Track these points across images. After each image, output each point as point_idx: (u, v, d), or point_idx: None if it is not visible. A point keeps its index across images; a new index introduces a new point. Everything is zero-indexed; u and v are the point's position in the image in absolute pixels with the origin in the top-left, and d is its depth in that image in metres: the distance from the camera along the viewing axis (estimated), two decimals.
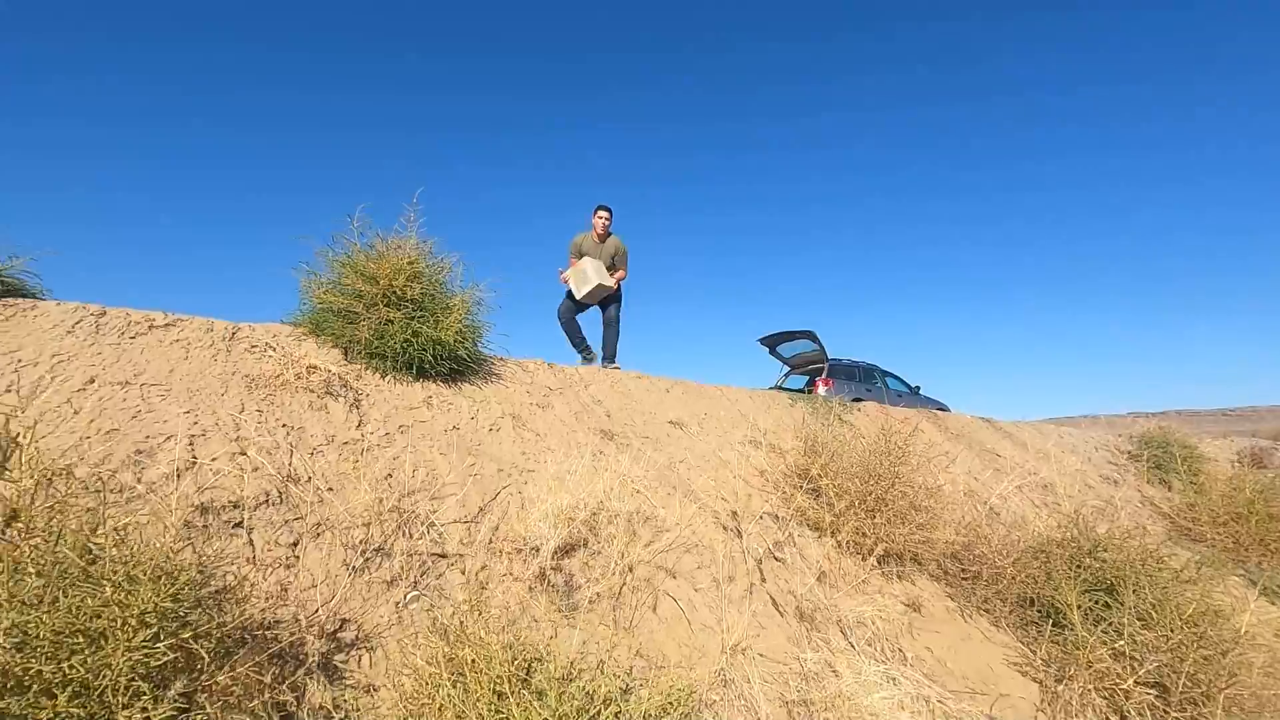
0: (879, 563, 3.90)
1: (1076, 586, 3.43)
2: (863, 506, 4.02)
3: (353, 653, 2.14)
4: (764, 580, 3.42)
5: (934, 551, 4.03)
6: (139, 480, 2.35)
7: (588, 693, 1.82)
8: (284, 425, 2.99)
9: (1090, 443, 9.53)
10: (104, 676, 1.27)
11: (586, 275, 5.78)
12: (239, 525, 2.36)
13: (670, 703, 1.81)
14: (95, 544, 1.38)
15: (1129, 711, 2.96)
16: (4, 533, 1.33)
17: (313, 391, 3.29)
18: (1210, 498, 7.03)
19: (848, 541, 3.93)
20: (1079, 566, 3.66)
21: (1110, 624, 3.21)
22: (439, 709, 1.66)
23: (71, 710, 1.22)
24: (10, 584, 1.24)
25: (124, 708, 1.27)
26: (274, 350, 3.48)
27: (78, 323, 3.13)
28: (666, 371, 6.08)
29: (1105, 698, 3.05)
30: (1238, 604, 3.93)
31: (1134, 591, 3.27)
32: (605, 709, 1.76)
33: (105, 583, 1.34)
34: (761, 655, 2.84)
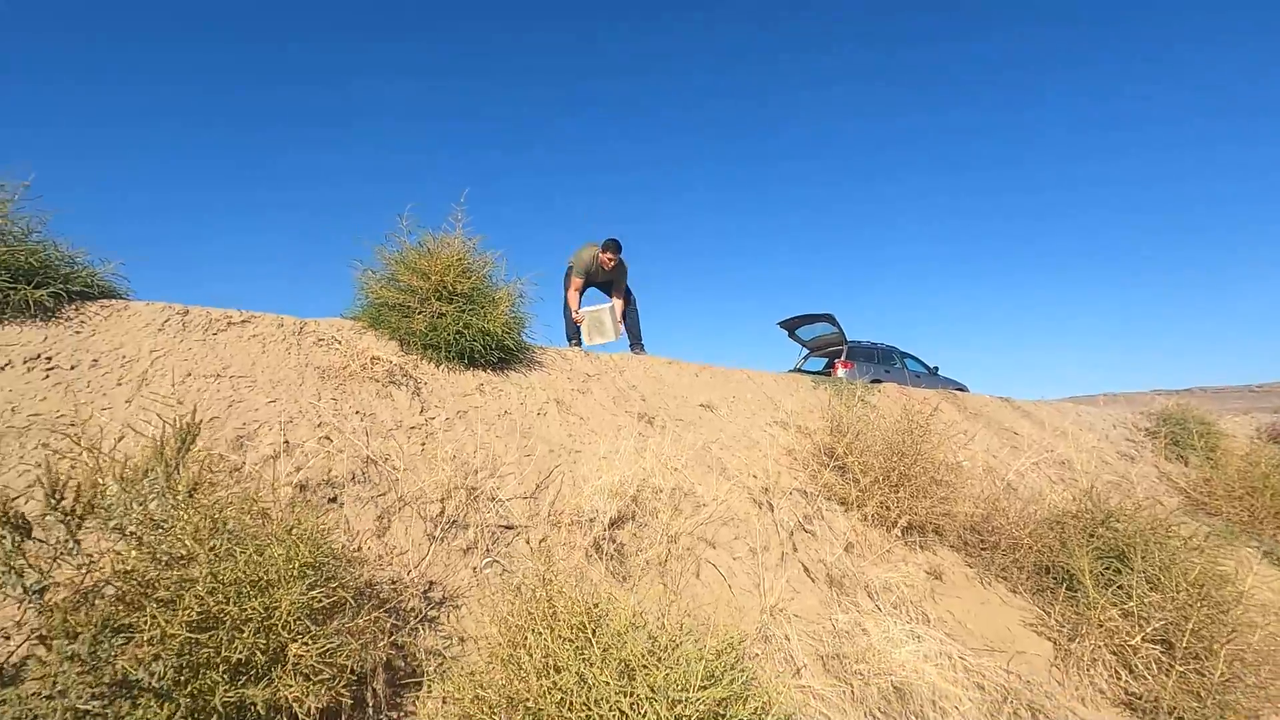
0: (902, 534, 4.16)
1: (1089, 554, 3.67)
2: (886, 482, 4.27)
3: (442, 609, 2.44)
4: (796, 550, 3.69)
5: (954, 524, 4.28)
6: (244, 462, 2.66)
7: (651, 638, 2.10)
8: (357, 412, 3.29)
9: (1108, 420, 9.67)
10: (275, 616, 1.57)
11: (605, 327, 5.73)
12: (334, 500, 2.66)
13: (726, 646, 2.08)
14: (264, 510, 1.67)
15: (1136, 666, 3.21)
16: (189, 502, 1.62)
17: (378, 381, 3.59)
18: (1226, 472, 7.18)
19: (873, 515, 4.18)
20: (1092, 536, 3.89)
21: (1120, 587, 3.45)
22: (529, 650, 1.95)
23: (256, 641, 1.51)
24: (208, 542, 1.54)
25: (293, 640, 1.57)
26: (339, 343, 3.78)
27: (166, 321, 3.43)
28: (689, 356, 6.32)
29: (1114, 653, 3.30)
30: (1247, 571, 4.15)
31: (1143, 557, 3.50)
32: (669, 652, 2.03)
33: (272, 541, 1.64)
34: (796, 616, 3.11)
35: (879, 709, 2.75)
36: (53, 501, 1.35)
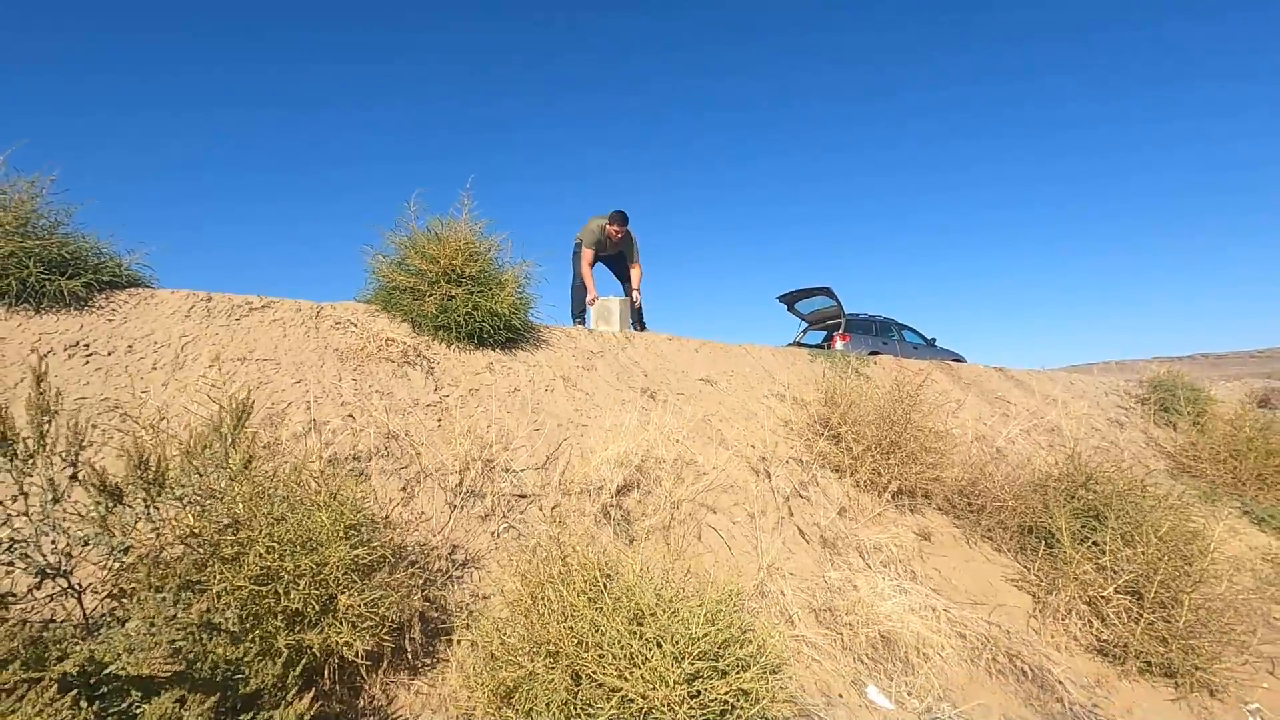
0: (893, 498, 4.39)
1: (1068, 513, 3.90)
2: (878, 449, 4.48)
3: (465, 569, 2.67)
4: (791, 514, 3.92)
5: (942, 488, 4.51)
6: (278, 438, 2.87)
7: (657, 593, 2.32)
8: (376, 391, 3.49)
9: (1100, 388, 9.87)
10: (326, 571, 1.79)
11: (612, 318, 5.68)
12: (361, 473, 2.87)
13: (725, 597, 2.31)
14: (311, 476, 1.88)
15: (1108, 615, 3.46)
16: (243, 473, 1.83)
17: (393, 361, 3.79)
18: (1211, 437, 7.40)
19: (865, 480, 4.41)
20: (1072, 497, 4.12)
21: (1095, 543, 3.68)
22: (547, 603, 2.17)
23: (310, 593, 1.73)
24: (263, 507, 1.75)
25: (342, 592, 1.79)
26: (355, 326, 3.97)
27: (191, 308, 3.62)
28: (691, 332, 6.50)
29: (1088, 604, 3.55)
30: (1215, 526, 4.38)
31: (1118, 516, 3.72)
32: (673, 603, 2.26)
33: (320, 506, 1.85)
34: (791, 574, 3.35)
35: (866, 655, 2.99)
36: (139, 472, 1.55)
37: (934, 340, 11.62)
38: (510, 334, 4.39)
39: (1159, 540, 3.50)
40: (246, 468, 1.83)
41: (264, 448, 2.78)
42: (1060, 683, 3.23)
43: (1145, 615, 3.37)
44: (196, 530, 1.75)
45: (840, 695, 2.73)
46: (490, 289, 4.26)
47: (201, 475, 1.86)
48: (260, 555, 1.72)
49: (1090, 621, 3.51)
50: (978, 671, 3.20)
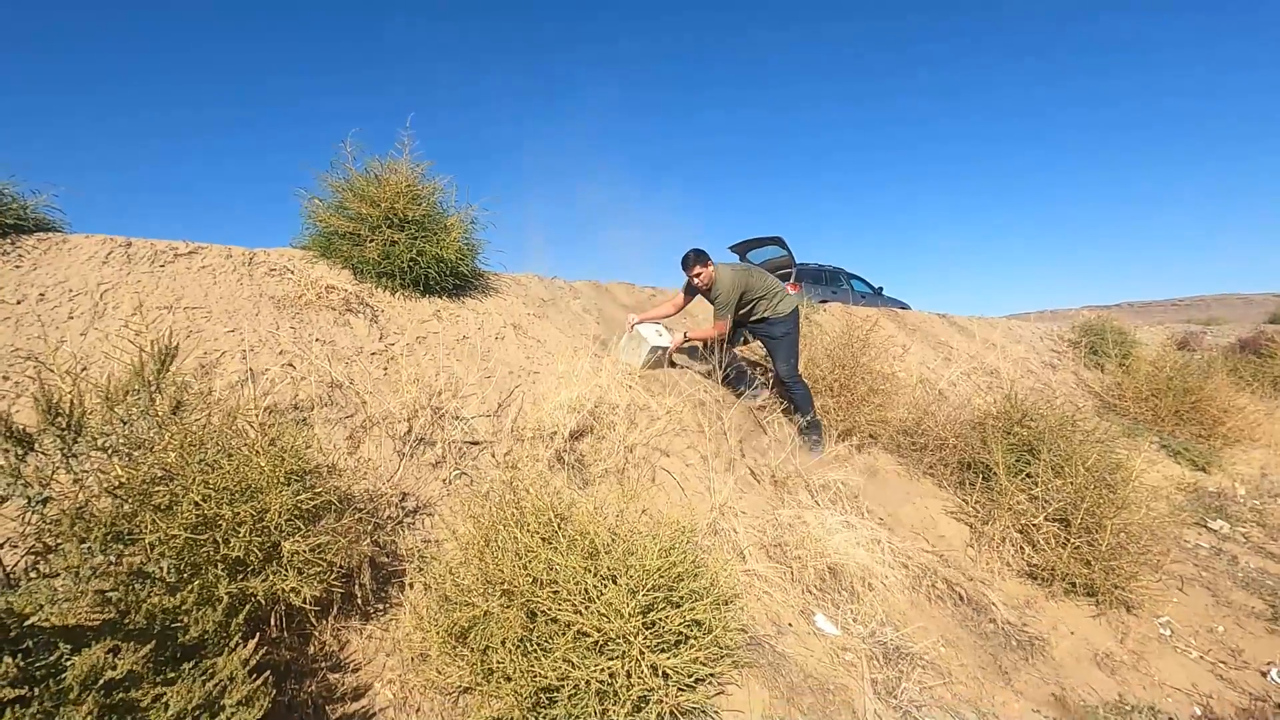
0: (841, 438, 4.51)
1: (1004, 448, 4.08)
2: (828, 392, 4.58)
3: (417, 516, 2.63)
4: (743, 455, 4.00)
5: (888, 428, 4.65)
6: (211, 388, 2.74)
7: (613, 531, 2.33)
8: (317, 340, 3.35)
9: (1036, 333, 10.29)
10: (268, 517, 1.72)
11: (639, 353, 4.44)
12: (304, 422, 2.77)
13: (678, 533, 2.34)
14: (249, 423, 1.79)
15: (1038, 541, 3.66)
16: (172, 420, 1.73)
17: (334, 309, 3.63)
18: (1135, 377, 7.83)
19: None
20: (1008, 433, 4.31)
21: (1028, 475, 3.88)
22: (501, 545, 2.16)
23: (252, 540, 1.67)
24: (195, 455, 1.66)
25: (286, 538, 1.73)
26: (291, 273, 3.78)
27: (109, 254, 3.38)
28: (649, 280, 6.44)
29: (1020, 532, 3.75)
30: (1146, 462, 4.66)
31: (1049, 449, 3.91)
32: (628, 540, 2.28)
33: (258, 453, 1.77)
34: (743, 512, 3.42)
35: (815, 586, 3.10)
36: (50, 419, 1.45)
37: (881, 289, 11.88)
38: (458, 281, 4.27)
39: (1086, 471, 3.70)
40: (175, 413, 1.73)
41: (196, 396, 2.66)
42: (993, 605, 3.43)
43: (1072, 540, 3.58)
44: (124, 480, 1.66)
45: (790, 624, 2.83)
46: (435, 234, 4.10)
47: (126, 423, 1.75)
48: (196, 503, 1.65)
49: (1022, 548, 3.71)
50: (918, 598, 3.36)
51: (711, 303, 4.50)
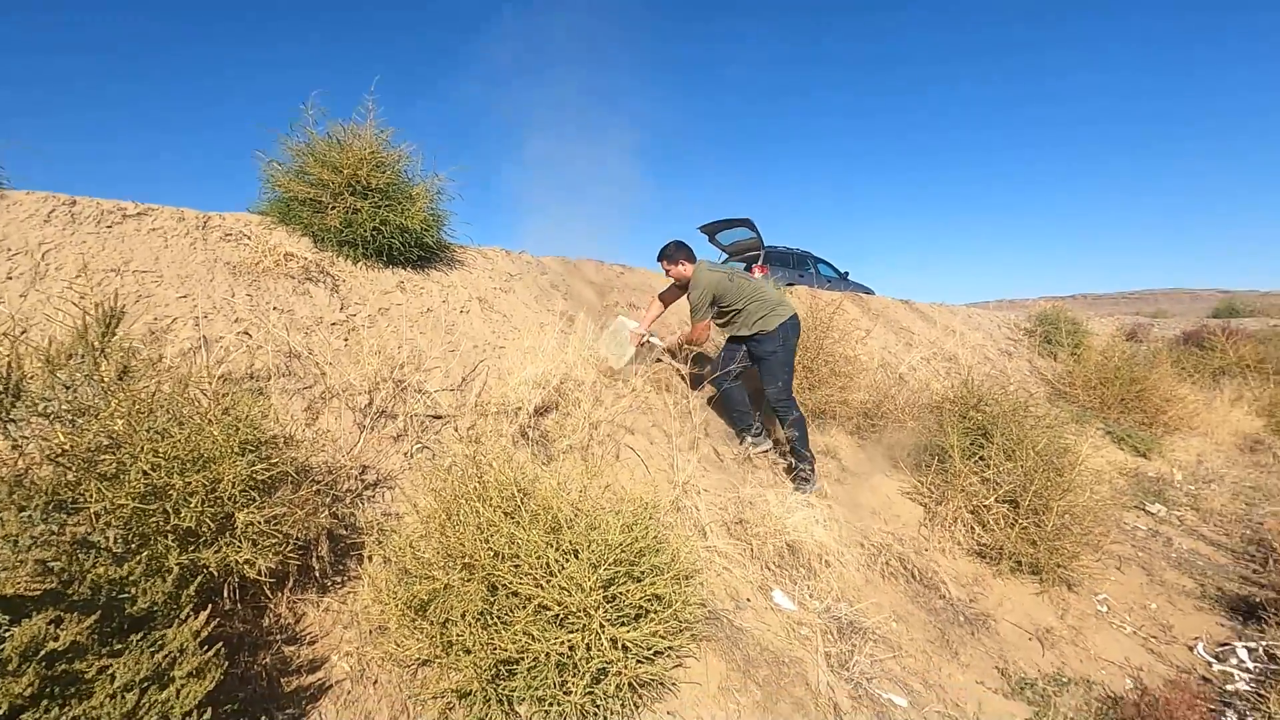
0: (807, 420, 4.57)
1: (960, 432, 4.19)
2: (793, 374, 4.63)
3: (377, 490, 2.59)
4: (708, 435, 4.03)
5: (849, 410, 4.74)
6: (161, 355, 2.64)
7: (575, 506, 2.34)
8: (275, 308, 3.26)
9: (995, 321, 10.56)
10: (221, 488, 1.68)
11: (620, 346, 4.20)
12: (260, 393, 2.70)
13: (640, 509, 2.36)
14: (202, 391, 1.73)
15: (988, 522, 3.80)
16: (118, 385, 1.66)
17: (293, 277, 3.53)
18: (1085, 366, 8.11)
19: None
20: (963, 418, 4.43)
21: (981, 458, 4.00)
22: (463, 519, 2.15)
23: (204, 510, 1.63)
24: (144, 423, 1.60)
25: (241, 508, 1.69)
26: (248, 238, 3.65)
27: (52, 212, 3.21)
28: (619, 258, 6.40)
29: (972, 513, 3.87)
30: (1092, 447, 4.84)
31: (1002, 433, 4.04)
32: (590, 515, 2.28)
33: (211, 422, 1.71)
34: (706, 490, 3.46)
35: (773, 563, 3.16)
36: None
37: (847, 274, 12.04)
38: (422, 252, 4.17)
39: (1035, 455, 3.83)
40: (121, 379, 1.67)
41: (144, 362, 2.56)
42: (944, 582, 3.54)
43: (1020, 521, 3.72)
44: (67, 447, 1.60)
45: (748, 599, 2.88)
46: (399, 203, 4.00)
47: (69, 388, 1.68)
48: (144, 472, 1.59)
49: (973, 528, 3.84)
50: (873, 575, 3.46)
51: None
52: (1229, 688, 3.19)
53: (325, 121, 4.01)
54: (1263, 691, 3.03)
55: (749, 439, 4.14)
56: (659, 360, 4.40)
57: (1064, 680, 3.11)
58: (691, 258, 4.08)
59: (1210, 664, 3.40)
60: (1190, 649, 3.54)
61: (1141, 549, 4.65)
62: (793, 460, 4.00)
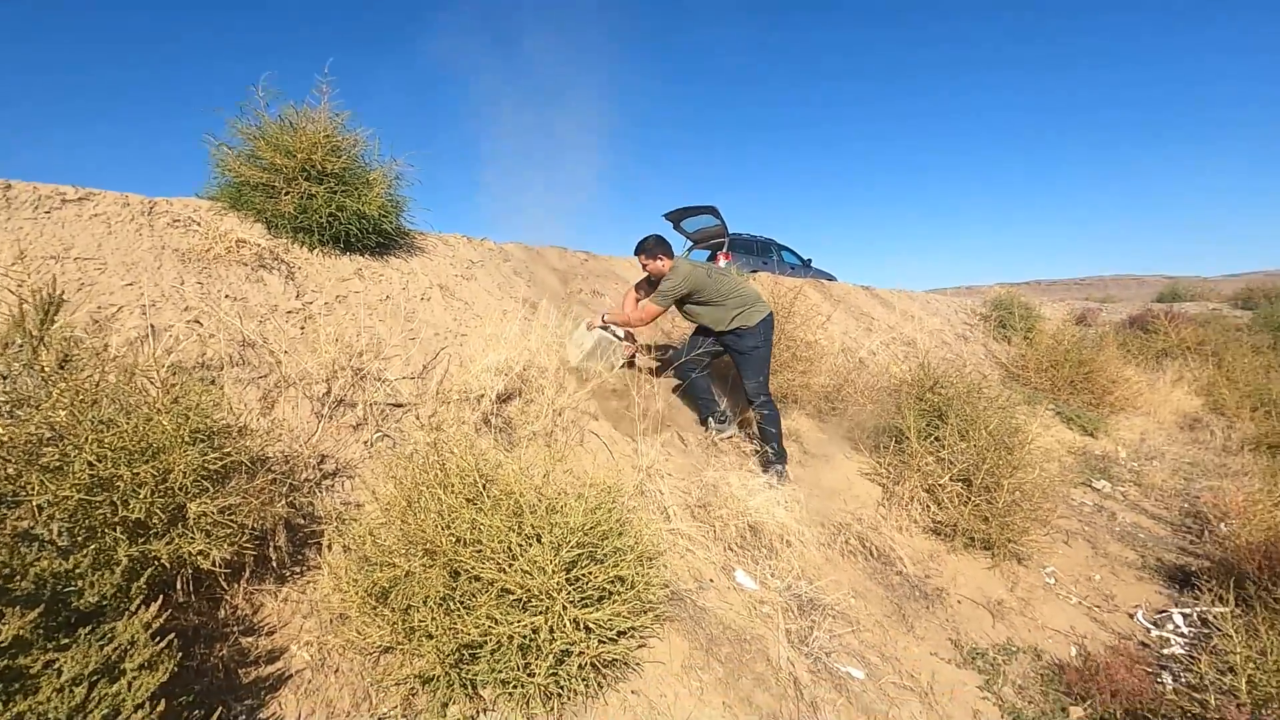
0: None
1: (916, 413, 4.31)
2: None
3: (336, 479, 2.56)
4: (672, 420, 4.06)
5: (811, 394, 4.83)
6: (106, 345, 2.56)
7: (538, 491, 2.34)
8: (227, 296, 3.17)
9: (952, 307, 10.83)
10: (171, 478, 1.64)
11: (581, 349, 4.10)
12: (212, 383, 2.63)
13: (604, 493, 2.38)
14: (150, 380, 1.68)
15: (943, 500, 3.92)
16: (60, 372, 1.61)
17: (246, 265, 3.44)
18: (1037, 349, 8.38)
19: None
20: (920, 399, 4.55)
21: (937, 439, 4.12)
22: (424, 506, 2.14)
23: (154, 501, 1.59)
24: (88, 413, 1.55)
25: (192, 500, 1.66)
26: (198, 225, 3.54)
27: None
28: (581, 245, 6.39)
29: (927, 491, 3.99)
30: (1042, 426, 5.02)
31: (957, 415, 4.16)
32: (554, 500, 2.29)
33: (160, 411, 1.67)
34: (670, 474, 3.50)
35: (736, 544, 3.22)
36: None
37: (810, 261, 12.19)
38: (381, 239, 4.10)
39: (988, 435, 3.96)
40: (63, 368, 1.61)
41: (87, 351, 2.48)
42: (901, 559, 3.65)
43: (973, 499, 3.84)
44: (5, 439, 1.54)
45: (711, 580, 2.93)
46: (356, 189, 3.92)
47: (6, 378, 1.62)
48: (90, 463, 1.55)
49: (928, 506, 3.96)
50: (833, 554, 3.55)
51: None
52: (1165, 651, 3.36)
53: (277, 104, 3.91)
54: (1195, 654, 3.20)
55: (714, 424, 4.18)
56: (627, 360, 4.26)
57: (1013, 649, 3.24)
58: (671, 253, 4.02)
59: (1149, 630, 3.58)
60: (1131, 616, 3.72)
61: (1087, 523, 4.85)
62: (768, 454, 4.01)
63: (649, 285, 4.22)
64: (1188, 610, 3.68)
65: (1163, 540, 4.78)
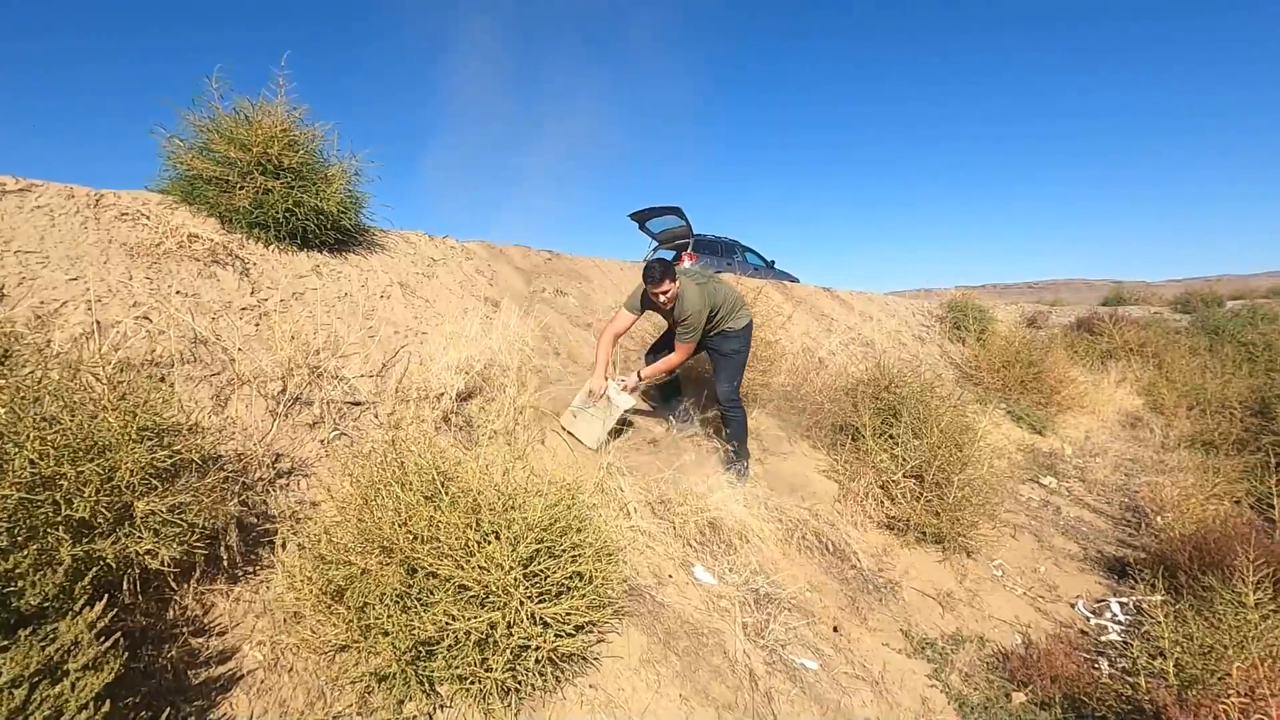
0: None
1: (872, 412, 4.42)
2: None
3: (291, 477, 2.53)
4: (634, 421, 4.10)
5: (771, 392, 4.91)
6: (50, 341, 2.48)
7: (497, 488, 2.35)
8: (178, 292, 3.10)
9: (910, 308, 11.09)
10: (118, 476, 1.61)
11: (589, 426, 3.70)
12: (161, 380, 2.58)
13: (564, 491, 2.40)
14: (95, 376, 1.64)
15: (896, 496, 4.03)
16: (0, 367, 1.56)
17: (199, 260, 3.36)
18: (990, 350, 8.64)
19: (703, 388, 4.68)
20: (876, 398, 4.67)
21: (891, 436, 4.23)
22: (381, 504, 2.13)
23: (100, 499, 1.56)
24: (29, 409, 1.51)
25: (140, 497, 1.63)
26: (147, 218, 3.45)
27: None
28: (542, 243, 6.37)
29: (881, 488, 4.11)
30: (992, 424, 5.20)
31: (911, 413, 4.28)
32: (513, 498, 2.31)
33: (106, 408, 1.63)
34: (631, 471, 3.53)
35: (695, 540, 3.27)
36: None
37: (773, 262, 12.37)
38: (339, 235, 4.05)
39: (940, 432, 4.09)
40: (1, 364, 1.57)
41: (28, 347, 2.40)
42: (855, 553, 3.75)
43: (925, 494, 3.97)
44: None
45: (670, 575, 2.97)
46: (314, 184, 3.86)
47: None
48: (31, 461, 1.51)
49: (882, 502, 4.07)
50: (790, 549, 3.62)
51: (674, 322, 3.79)
52: (1103, 639, 3.52)
53: (231, 96, 3.82)
54: (1129, 640, 3.37)
55: (675, 423, 4.23)
56: (634, 409, 3.93)
57: (961, 639, 3.36)
58: (675, 275, 3.70)
59: (1088, 619, 3.74)
60: (1072, 606, 3.89)
61: (1034, 518, 5.03)
62: (731, 455, 3.96)
63: (638, 308, 3.85)
64: (1124, 599, 3.86)
65: (1103, 533, 5.00)
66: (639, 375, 3.82)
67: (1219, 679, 2.51)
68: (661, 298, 3.65)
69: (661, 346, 4.12)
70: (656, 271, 3.62)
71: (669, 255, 11.65)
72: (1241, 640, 2.67)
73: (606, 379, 3.71)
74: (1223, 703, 2.10)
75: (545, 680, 2.07)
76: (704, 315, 3.71)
